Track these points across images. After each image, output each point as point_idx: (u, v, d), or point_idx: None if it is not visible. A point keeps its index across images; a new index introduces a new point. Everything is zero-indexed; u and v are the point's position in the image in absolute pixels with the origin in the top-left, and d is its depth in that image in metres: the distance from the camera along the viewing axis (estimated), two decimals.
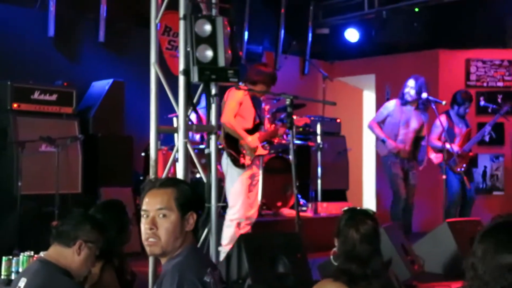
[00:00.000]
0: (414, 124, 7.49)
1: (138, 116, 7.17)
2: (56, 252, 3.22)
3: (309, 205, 8.64)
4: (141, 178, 7.82)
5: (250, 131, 6.12)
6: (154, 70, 4.70)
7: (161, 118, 5.56)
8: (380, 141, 7.53)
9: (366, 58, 11.16)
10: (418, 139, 7.55)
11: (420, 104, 7.47)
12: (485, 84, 10.20)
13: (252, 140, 6.08)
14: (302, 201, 8.70)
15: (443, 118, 8.10)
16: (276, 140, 7.63)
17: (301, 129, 9.03)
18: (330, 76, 10.19)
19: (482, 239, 2.00)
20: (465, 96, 8.13)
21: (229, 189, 5.97)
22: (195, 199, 2.80)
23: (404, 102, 7.49)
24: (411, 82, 7.44)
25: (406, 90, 7.44)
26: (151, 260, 4.55)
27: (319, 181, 8.91)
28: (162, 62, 8.18)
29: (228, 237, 5.88)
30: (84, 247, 3.22)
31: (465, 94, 8.20)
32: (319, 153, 8.91)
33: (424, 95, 7.50)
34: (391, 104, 7.60)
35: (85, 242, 3.22)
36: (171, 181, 2.86)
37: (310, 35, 11.01)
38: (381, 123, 7.63)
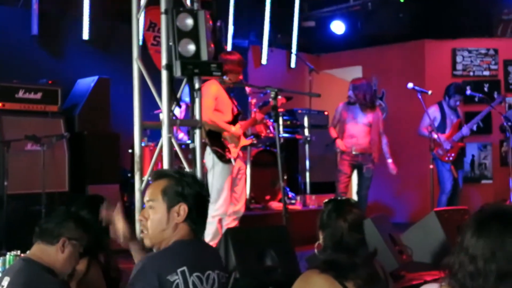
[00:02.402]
0: (363, 120, 7.75)
1: (124, 113, 7.12)
2: (40, 250, 3.20)
3: (298, 198, 8.65)
4: (129, 175, 7.79)
5: (230, 123, 6.12)
6: (136, 65, 4.68)
7: (147, 114, 5.55)
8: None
9: (352, 50, 11.16)
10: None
11: (364, 104, 7.76)
12: (471, 74, 10.23)
13: (236, 129, 6.09)
14: (291, 194, 8.71)
15: (434, 108, 8.18)
16: (263, 134, 7.65)
17: (288, 122, 9.04)
18: (317, 68, 10.19)
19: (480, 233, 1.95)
20: (456, 89, 8.21)
21: (211, 185, 5.95)
22: (188, 191, 2.72)
23: (349, 103, 7.87)
24: (351, 87, 7.86)
25: (349, 93, 7.85)
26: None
27: (307, 174, 8.91)
28: (147, 58, 8.22)
29: (211, 233, 5.87)
30: (67, 244, 3.19)
31: (457, 86, 8.29)
32: (307, 146, 8.92)
33: (410, 85, 7.56)
34: (339, 107, 7.97)
35: (68, 239, 3.20)
36: (162, 173, 2.86)
37: (296, 28, 10.99)
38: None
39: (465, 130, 8.18)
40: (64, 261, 3.21)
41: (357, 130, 7.72)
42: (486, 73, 10.29)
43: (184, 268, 2.61)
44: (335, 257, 3.01)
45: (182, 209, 2.70)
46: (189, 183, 2.75)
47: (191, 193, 2.73)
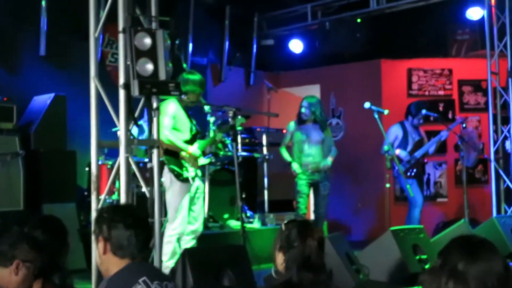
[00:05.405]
0: (316, 137, 7.87)
1: (81, 131, 7.02)
2: None
3: (256, 216, 8.64)
4: (85, 193, 7.70)
5: (189, 142, 6.11)
6: (94, 84, 4.65)
7: (105, 132, 5.49)
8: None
9: (310, 69, 11.27)
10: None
11: (319, 121, 7.91)
12: (426, 93, 10.40)
13: (194, 150, 6.08)
14: (249, 213, 8.70)
15: (396, 127, 8.29)
16: (219, 152, 7.67)
17: (247, 140, 9.05)
18: (275, 87, 10.26)
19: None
20: (419, 108, 8.33)
21: (169, 204, 5.93)
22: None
23: (301, 121, 7.95)
24: (304, 103, 7.95)
25: (302, 110, 7.92)
26: (93, 277, 4.48)
27: (266, 192, 8.91)
28: (105, 75, 8.15)
29: (169, 253, 5.84)
30: (21, 267, 3.14)
31: (419, 105, 8.41)
32: (265, 164, 8.93)
33: (367, 104, 7.64)
34: (291, 126, 8.06)
35: (22, 262, 3.14)
36: None
37: (255, 46, 11.07)
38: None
39: (430, 148, 8.33)
40: (18, 283, 3.15)
41: (312, 149, 7.82)
42: (441, 92, 10.48)
43: (145, 277, 2.82)
44: (301, 277, 3.03)
45: (101, 245, 2.99)
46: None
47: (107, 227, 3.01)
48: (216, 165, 8.33)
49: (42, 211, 7.03)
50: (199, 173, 6.22)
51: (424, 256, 5.76)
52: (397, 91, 10.30)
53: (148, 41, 4.55)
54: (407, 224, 7.75)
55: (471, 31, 10.67)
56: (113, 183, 6.27)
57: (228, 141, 7.77)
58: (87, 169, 7.67)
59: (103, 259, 2.98)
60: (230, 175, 8.28)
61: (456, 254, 2.21)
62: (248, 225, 8.01)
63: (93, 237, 3.06)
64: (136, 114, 4.80)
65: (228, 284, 4.68)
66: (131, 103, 4.61)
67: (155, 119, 4.78)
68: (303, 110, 7.89)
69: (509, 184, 8.81)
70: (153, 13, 4.84)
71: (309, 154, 7.81)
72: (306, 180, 7.82)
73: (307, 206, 7.90)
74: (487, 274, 2.16)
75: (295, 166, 7.84)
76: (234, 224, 8.18)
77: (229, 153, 8.01)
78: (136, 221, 3.04)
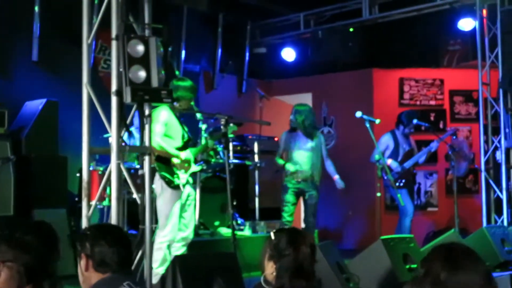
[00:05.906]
0: (305, 146, 7.86)
1: (73, 136, 7.03)
2: None
3: (247, 224, 8.64)
4: (76, 199, 7.67)
5: (181, 149, 6.12)
6: (86, 90, 4.65)
7: (97, 138, 5.50)
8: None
9: (302, 77, 11.30)
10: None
11: (304, 129, 7.88)
12: (418, 103, 10.44)
13: (187, 155, 6.09)
14: (240, 220, 8.70)
15: (388, 136, 8.31)
16: (212, 159, 7.67)
17: (238, 148, 9.06)
18: (267, 95, 10.28)
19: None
20: (410, 117, 8.35)
21: (160, 211, 5.92)
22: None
23: (291, 129, 7.99)
24: (292, 110, 8.00)
25: (291, 118, 7.96)
26: None
27: (257, 200, 8.92)
28: (97, 81, 8.15)
29: (159, 260, 5.83)
30: (2, 267, 3.12)
31: (411, 114, 8.43)
32: (256, 172, 8.93)
33: (359, 113, 7.66)
34: (283, 135, 8.10)
35: (2, 262, 3.12)
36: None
37: (247, 54, 11.09)
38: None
39: (420, 158, 8.36)
40: (2, 285, 3.13)
41: (301, 157, 7.81)
42: (432, 102, 10.53)
43: (128, 282, 2.93)
44: (294, 285, 3.04)
45: (83, 262, 3.05)
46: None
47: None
48: (208, 172, 8.33)
49: (33, 217, 7.00)
50: (191, 180, 6.22)
51: (414, 265, 5.77)
52: (389, 101, 10.34)
53: (141, 48, 4.57)
54: (397, 233, 7.78)
55: (462, 41, 10.73)
56: (104, 189, 6.31)
57: (219, 148, 7.79)
58: (78, 175, 7.64)
59: (85, 276, 3.05)
60: (221, 182, 8.28)
61: (438, 263, 2.21)
62: (238, 233, 8.01)
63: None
64: (128, 121, 4.82)
65: None
66: (123, 110, 4.62)
67: (147, 126, 4.79)
68: (291, 117, 7.93)
69: (499, 194, 8.84)
70: (146, 20, 4.86)
71: (296, 162, 7.81)
72: (291, 188, 7.81)
73: (293, 214, 7.87)
74: (467, 286, 2.17)
75: (288, 166, 7.79)
76: (225, 231, 8.18)
77: (221, 161, 8.02)
78: (118, 239, 3.12)
